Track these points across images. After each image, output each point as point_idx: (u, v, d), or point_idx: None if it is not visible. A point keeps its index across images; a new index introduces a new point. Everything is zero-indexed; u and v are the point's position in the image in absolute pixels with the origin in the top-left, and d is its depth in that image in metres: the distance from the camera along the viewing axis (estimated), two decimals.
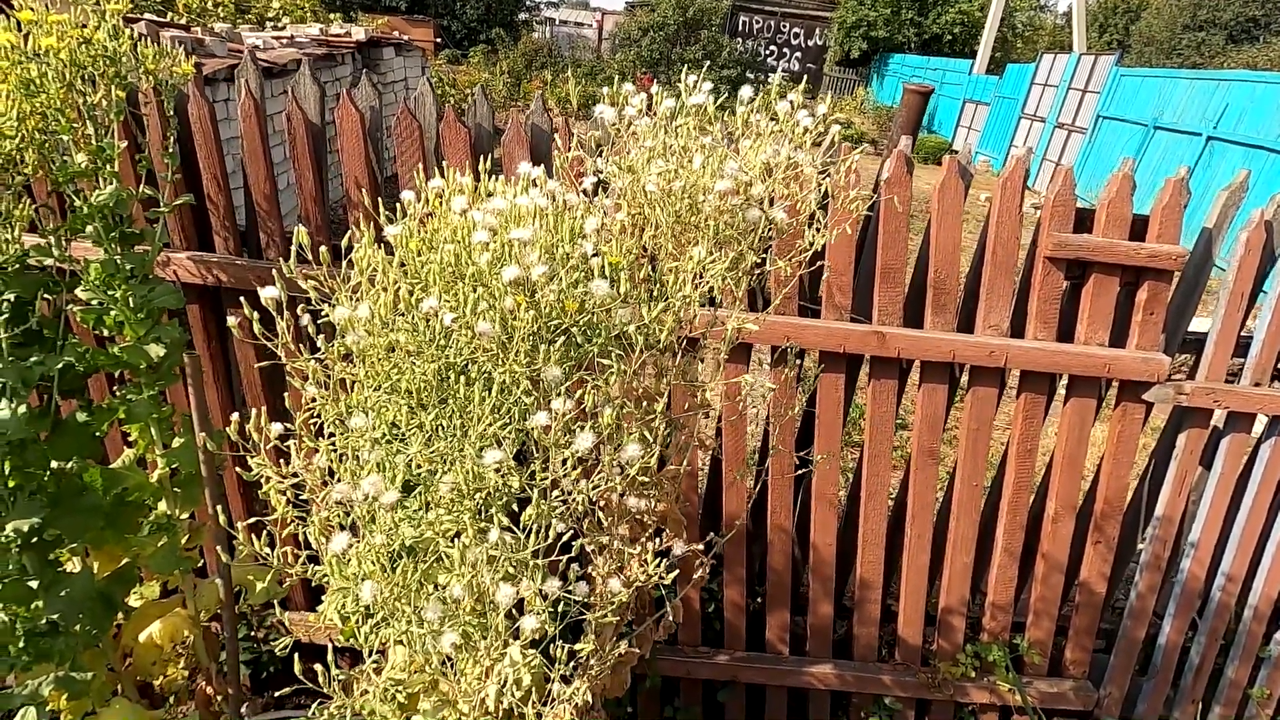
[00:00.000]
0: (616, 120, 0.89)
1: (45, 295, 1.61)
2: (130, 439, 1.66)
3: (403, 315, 0.76)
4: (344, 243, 0.87)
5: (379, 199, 1.91)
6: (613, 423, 0.75)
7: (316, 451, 0.84)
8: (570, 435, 0.79)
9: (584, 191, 0.92)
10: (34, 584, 1.41)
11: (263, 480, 0.84)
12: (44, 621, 1.37)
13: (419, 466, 0.75)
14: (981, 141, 15.56)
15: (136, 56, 1.56)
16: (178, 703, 2.17)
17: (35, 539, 1.40)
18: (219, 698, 1.82)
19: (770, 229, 0.92)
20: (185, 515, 1.70)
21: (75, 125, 1.48)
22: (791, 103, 0.88)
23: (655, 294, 0.90)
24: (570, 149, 0.99)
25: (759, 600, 2.39)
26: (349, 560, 0.75)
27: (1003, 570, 2.19)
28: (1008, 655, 2.25)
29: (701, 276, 0.92)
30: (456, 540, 0.80)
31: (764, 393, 1.68)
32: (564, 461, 0.74)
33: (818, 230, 0.89)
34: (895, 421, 2.07)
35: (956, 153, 1.90)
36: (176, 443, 1.66)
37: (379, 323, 0.74)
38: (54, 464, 1.57)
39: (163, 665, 1.75)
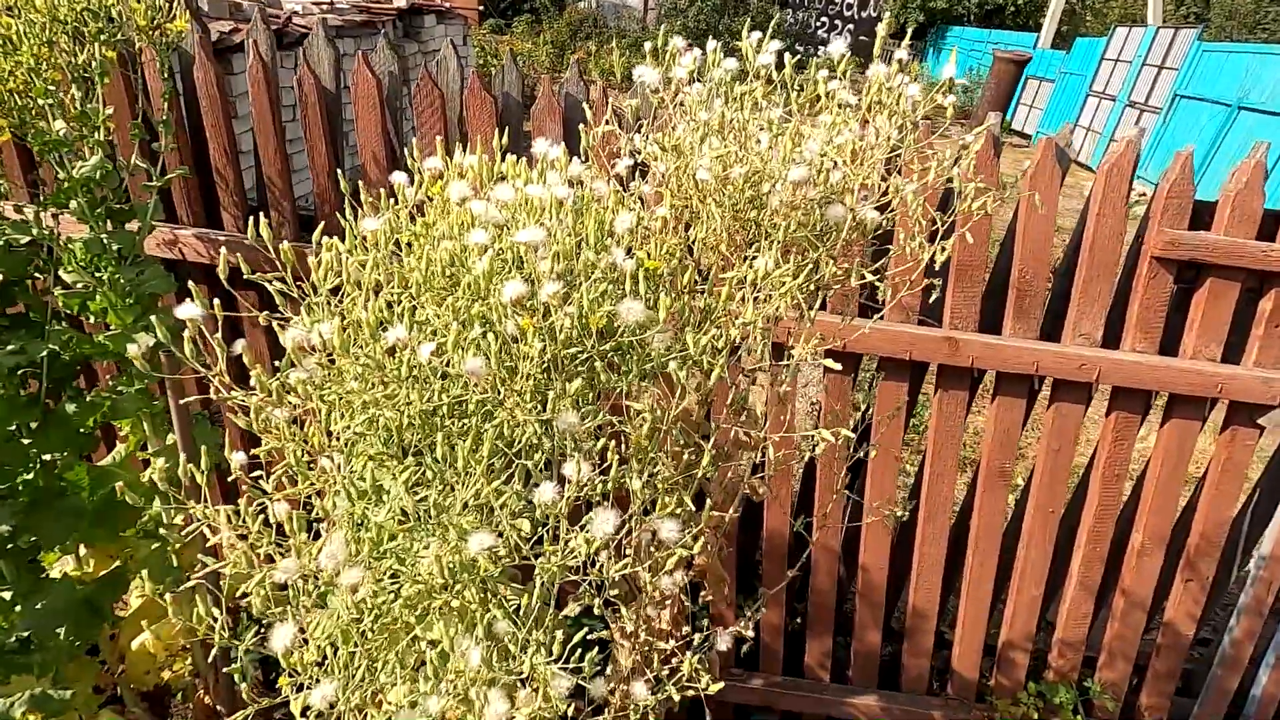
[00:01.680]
0: (660, 85, 0.69)
1: (36, 275, 1.49)
2: (122, 434, 1.53)
3: (362, 348, 0.58)
4: (316, 236, 0.70)
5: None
6: (646, 500, 0.57)
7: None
8: (587, 485, 0.61)
9: (616, 177, 0.73)
10: (8, 593, 1.29)
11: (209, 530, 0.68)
12: (13, 639, 1.25)
13: (391, 537, 0.58)
14: (1043, 121, 14.78)
15: (126, 12, 1.40)
16: (184, 700, 2.08)
17: (10, 545, 1.28)
18: (218, 707, 1.71)
19: (851, 229, 0.72)
20: (181, 517, 1.57)
21: (55, 88, 1.33)
22: (900, 61, 0.66)
23: (705, 310, 0.71)
24: (602, 122, 0.80)
25: (798, 620, 2.20)
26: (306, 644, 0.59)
27: (1076, 605, 1.96)
28: (1077, 697, 2.03)
29: (757, 287, 0.72)
30: (440, 618, 0.62)
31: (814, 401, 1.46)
32: (574, 541, 0.56)
33: (910, 233, 0.68)
34: (962, 437, 1.84)
35: (1017, 132, 1.64)
36: (171, 439, 1.53)
37: (338, 349, 0.56)
38: (47, 456, 1.46)
39: (157, 673, 1.64)
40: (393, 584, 0.64)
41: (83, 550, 1.65)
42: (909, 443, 3.56)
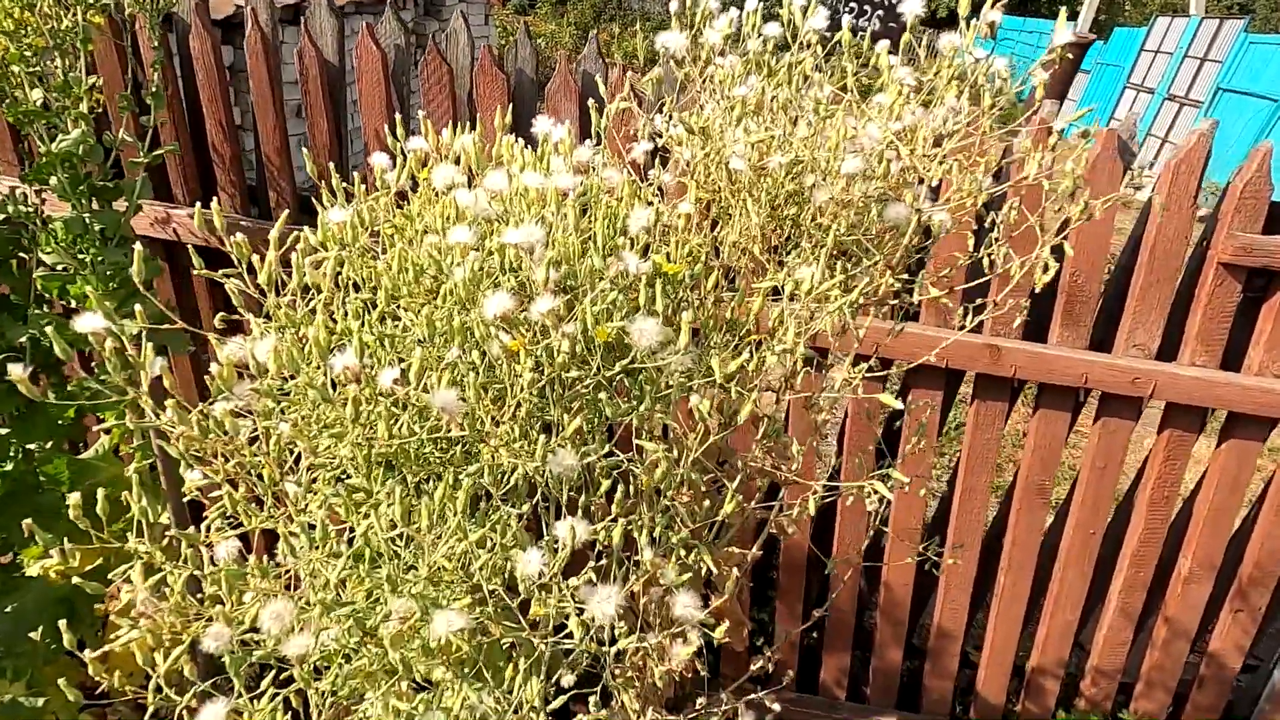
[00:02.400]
0: (687, 52, 0.57)
1: (21, 255, 1.41)
2: (106, 425, 1.45)
3: (310, 373, 0.48)
4: (274, 231, 0.59)
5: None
6: (653, 570, 0.47)
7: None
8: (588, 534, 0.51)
9: (633, 164, 0.62)
10: None
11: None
12: None
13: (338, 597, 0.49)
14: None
15: None
16: (180, 693, 2.02)
17: None
18: None
19: (915, 233, 0.60)
20: (165, 514, 1.49)
21: (36, 55, 1.23)
22: (992, 24, 0.55)
23: (731, 323, 0.59)
24: (617, 101, 0.68)
25: (814, 635, 2.10)
26: None
27: (1115, 632, 1.84)
28: None
29: (798, 300, 0.61)
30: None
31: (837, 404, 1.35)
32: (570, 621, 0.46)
33: (988, 242, 0.56)
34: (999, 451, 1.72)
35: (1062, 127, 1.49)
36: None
37: (274, 375, 0.46)
38: (31, 446, 1.38)
39: (140, 678, 1.57)
40: (372, 611, 0.55)
41: (69, 544, 1.58)
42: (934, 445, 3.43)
